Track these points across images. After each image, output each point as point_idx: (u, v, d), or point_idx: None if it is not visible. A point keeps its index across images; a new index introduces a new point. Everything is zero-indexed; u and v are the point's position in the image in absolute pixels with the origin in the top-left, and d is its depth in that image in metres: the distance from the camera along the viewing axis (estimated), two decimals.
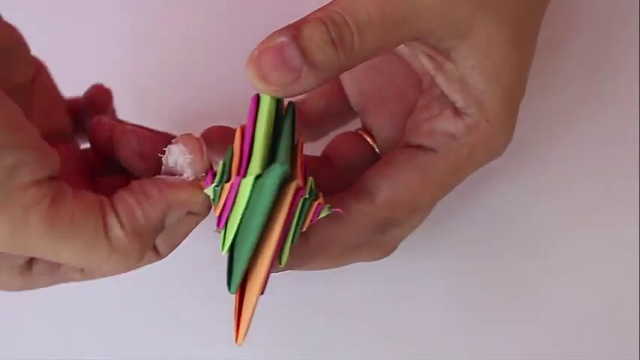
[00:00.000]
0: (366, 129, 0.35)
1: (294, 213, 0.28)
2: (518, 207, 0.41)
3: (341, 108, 0.37)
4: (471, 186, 0.35)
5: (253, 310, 0.28)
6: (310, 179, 0.29)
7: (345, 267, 0.35)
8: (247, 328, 0.29)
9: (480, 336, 0.39)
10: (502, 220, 0.40)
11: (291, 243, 0.29)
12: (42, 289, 0.33)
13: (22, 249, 0.27)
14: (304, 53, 0.28)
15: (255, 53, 0.28)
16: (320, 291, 0.40)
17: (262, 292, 0.29)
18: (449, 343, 0.39)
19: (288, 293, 0.40)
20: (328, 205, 0.29)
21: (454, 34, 0.30)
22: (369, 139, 0.35)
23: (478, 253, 0.40)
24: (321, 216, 0.29)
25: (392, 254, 0.35)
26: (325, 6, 0.29)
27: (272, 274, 0.30)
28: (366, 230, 0.32)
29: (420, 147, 0.32)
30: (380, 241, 0.34)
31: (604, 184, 0.41)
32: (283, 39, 0.28)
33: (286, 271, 0.31)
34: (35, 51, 0.32)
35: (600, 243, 0.40)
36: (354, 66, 0.29)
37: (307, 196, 0.28)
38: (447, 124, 0.31)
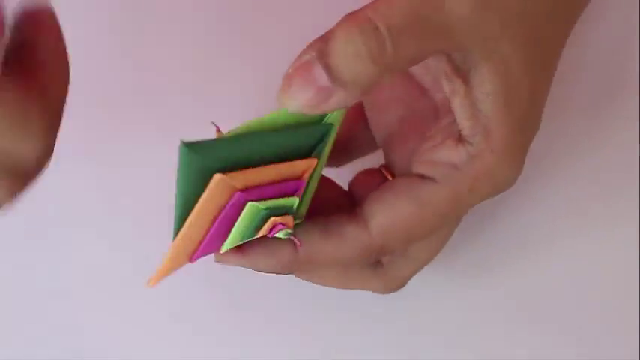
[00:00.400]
0: (387, 165, 0.35)
1: (238, 212, 0.28)
2: (519, 208, 0.41)
3: (365, 139, 0.36)
4: None
5: (170, 263, 0.29)
6: (293, 200, 0.29)
7: None
8: (160, 276, 0.29)
9: (480, 336, 0.39)
10: (502, 220, 0.41)
11: (241, 240, 0.29)
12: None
13: None
14: (331, 72, 0.27)
15: (289, 71, 0.27)
16: (320, 291, 0.40)
17: (191, 260, 0.30)
18: (449, 343, 0.39)
19: (287, 292, 0.40)
20: (288, 230, 0.29)
21: (481, 50, 0.28)
22: (389, 177, 0.34)
23: (478, 253, 0.40)
24: (277, 235, 0.29)
25: None
26: (357, 10, 0.27)
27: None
28: (358, 254, 0.31)
29: (420, 176, 0.31)
30: (386, 273, 0.34)
31: (605, 186, 0.41)
32: (308, 58, 0.27)
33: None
34: None
35: (601, 244, 0.40)
36: (391, 76, 0.28)
37: (261, 207, 0.28)
38: (449, 153, 0.30)
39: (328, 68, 0.27)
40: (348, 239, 0.31)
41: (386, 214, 0.31)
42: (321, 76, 0.27)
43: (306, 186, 0.30)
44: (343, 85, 0.27)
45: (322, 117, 0.29)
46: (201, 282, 0.40)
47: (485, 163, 0.30)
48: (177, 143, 0.26)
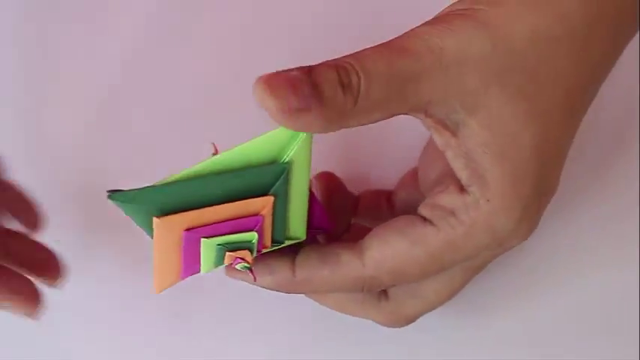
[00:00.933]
0: None
1: (198, 246, 0.30)
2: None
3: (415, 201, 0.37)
4: None
5: (160, 282, 0.31)
6: (251, 235, 0.31)
7: None
8: (161, 288, 0.31)
9: (479, 336, 0.39)
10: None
11: (215, 266, 0.31)
12: None
13: None
14: (315, 86, 0.28)
15: (266, 74, 0.28)
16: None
17: (181, 279, 0.32)
18: (448, 341, 0.39)
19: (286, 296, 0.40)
20: (245, 265, 0.31)
21: (462, 106, 0.29)
22: None
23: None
24: (237, 267, 0.31)
25: None
26: (337, 58, 0.29)
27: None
28: (350, 281, 0.32)
29: (421, 217, 0.32)
30: (389, 306, 0.34)
31: (605, 186, 0.41)
32: (295, 72, 0.28)
33: None
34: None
35: (600, 243, 0.40)
36: (359, 121, 0.29)
37: (215, 243, 0.30)
38: (449, 199, 0.31)
39: (314, 85, 0.28)
40: (342, 266, 0.32)
41: (380, 248, 0.32)
42: (303, 86, 0.27)
43: (278, 218, 0.32)
44: (321, 104, 0.28)
45: (278, 157, 0.30)
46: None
47: (481, 213, 0.30)
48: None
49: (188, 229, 0.30)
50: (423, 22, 0.30)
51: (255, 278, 0.32)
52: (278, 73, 0.28)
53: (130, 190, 0.28)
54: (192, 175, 0.29)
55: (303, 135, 0.29)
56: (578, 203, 0.41)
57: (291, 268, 0.33)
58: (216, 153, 0.30)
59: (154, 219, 0.29)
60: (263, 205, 0.31)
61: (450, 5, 0.31)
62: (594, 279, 0.40)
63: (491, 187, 0.30)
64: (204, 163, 0.29)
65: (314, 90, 0.28)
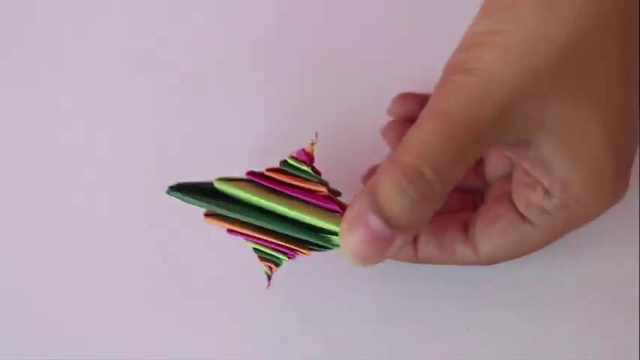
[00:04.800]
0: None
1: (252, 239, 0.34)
2: None
3: None
4: None
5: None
6: (282, 257, 0.34)
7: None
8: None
9: (477, 335, 0.39)
10: None
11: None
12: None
13: None
14: (390, 222, 0.28)
15: (345, 236, 0.29)
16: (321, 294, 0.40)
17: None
18: (445, 336, 0.39)
19: (285, 298, 0.39)
20: (267, 271, 0.35)
21: (526, 127, 0.30)
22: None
23: None
24: (263, 269, 0.35)
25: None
26: (394, 157, 0.29)
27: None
28: (466, 264, 0.36)
29: (520, 214, 0.34)
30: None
31: None
32: (364, 208, 0.29)
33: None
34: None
35: (600, 241, 0.40)
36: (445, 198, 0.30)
37: (250, 244, 0.34)
38: (539, 199, 0.33)
39: (387, 220, 0.28)
40: (459, 256, 0.36)
41: (492, 247, 0.35)
42: (379, 228, 0.28)
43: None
44: (404, 231, 0.29)
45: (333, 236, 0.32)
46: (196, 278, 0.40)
47: (573, 210, 0.32)
48: None
49: (231, 231, 0.34)
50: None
51: (269, 285, 0.35)
52: (350, 223, 0.29)
53: (187, 195, 0.33)
54: (252, 202, 0.32)
55: None
56: None
57: (414, 249, 0.36)
58: (314, 143, 0.32)
59: (203, 216, 0.34)
60: (301, 252, 0.33)
61: (470, 29, 0.30)
62: (594, 277, 0.39)
63: (574, 188, 0.31)
64: (269, 201, 0.32)
65: (390, 227, 0.28)
